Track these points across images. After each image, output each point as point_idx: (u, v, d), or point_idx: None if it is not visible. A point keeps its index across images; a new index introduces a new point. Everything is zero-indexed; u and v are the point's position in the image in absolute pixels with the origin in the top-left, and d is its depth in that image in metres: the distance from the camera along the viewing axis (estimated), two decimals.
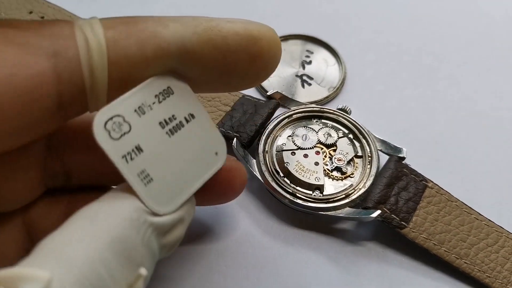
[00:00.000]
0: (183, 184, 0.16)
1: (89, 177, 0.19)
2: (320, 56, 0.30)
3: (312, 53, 0.31)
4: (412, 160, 0.25)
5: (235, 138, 0.24)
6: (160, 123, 0.16)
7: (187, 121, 0.16)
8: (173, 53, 0.15)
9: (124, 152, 0.15)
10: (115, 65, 0.15)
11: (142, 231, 0.14)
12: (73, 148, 0.19)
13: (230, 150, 0.23)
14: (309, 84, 0.29)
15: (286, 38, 0.31)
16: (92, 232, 0.13)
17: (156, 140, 0.15)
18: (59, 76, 0.14)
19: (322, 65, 0.30)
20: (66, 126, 0.18)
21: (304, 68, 0.30)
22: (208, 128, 0.17)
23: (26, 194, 0.18)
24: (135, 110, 0.15)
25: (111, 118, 0.15)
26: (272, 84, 0.29)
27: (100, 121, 0.14)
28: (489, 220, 0.23)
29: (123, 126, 0.15)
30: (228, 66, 0.16)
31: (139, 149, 0.15)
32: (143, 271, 0.14)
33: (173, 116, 0.16)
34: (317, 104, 0.27)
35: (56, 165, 0.18)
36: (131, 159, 0.15)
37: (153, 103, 0.16)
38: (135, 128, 0.15)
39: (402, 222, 0.22)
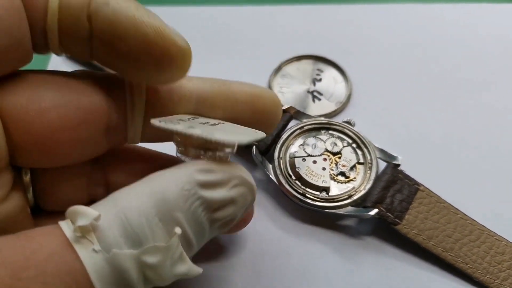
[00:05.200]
0: (242, 132, 0.19)
1: None
2: (329, 74, 0.34)
3: (322, 71, 0.34)
4: (409, 166, 0.28)
5: (254, 146, 0.28)
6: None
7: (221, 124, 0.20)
8: (193, 99, 0.20)
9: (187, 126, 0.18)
10: (152, 106, 0.20)
11: (190, 200, 0.16)
12: (114, 162, 0.22)
13: (250, 157, 0.28)
14: (319, 99, 0.33)
15: (299, 58, 0.35)
16: (146, 191, 0.16)
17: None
18: (109, 108, 0.19)
19: (331, 82, 0.34)
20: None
21: (315, 85, 0.34)
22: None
23: (73, 197, 0.22)
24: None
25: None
26: (286, 99, 0.33)
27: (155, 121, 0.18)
28: (473, 219, 0.27)
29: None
30: (236, 116, 0.21)
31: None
32: (178, 230, 0.16)
33: (207, 122, 0.20)
34: (325, 117, 0.31)
35: (99, 176, 0.22)
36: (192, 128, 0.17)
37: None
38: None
39: (396, 220, 0.26)
